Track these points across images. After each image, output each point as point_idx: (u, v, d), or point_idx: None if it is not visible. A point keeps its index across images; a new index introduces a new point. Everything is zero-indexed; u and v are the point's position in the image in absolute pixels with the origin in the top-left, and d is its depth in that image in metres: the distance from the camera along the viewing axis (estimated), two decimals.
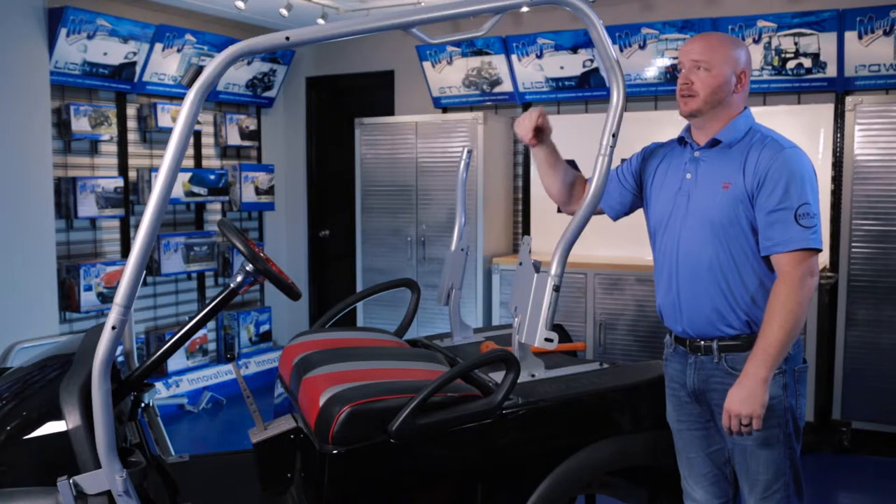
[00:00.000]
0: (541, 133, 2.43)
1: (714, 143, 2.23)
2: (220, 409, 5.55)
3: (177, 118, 1.98)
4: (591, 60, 5.24)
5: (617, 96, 2.10)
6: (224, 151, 6.14)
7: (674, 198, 2.30)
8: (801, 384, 2.22)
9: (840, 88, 4.68)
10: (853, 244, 4.42)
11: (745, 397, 2.05)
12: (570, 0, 2.02)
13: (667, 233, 2.31)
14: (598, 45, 2.08)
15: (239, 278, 2.32)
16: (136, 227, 2.11)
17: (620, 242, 4.98)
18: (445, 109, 5.96)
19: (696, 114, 2.23)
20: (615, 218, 2.59)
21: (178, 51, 5.37)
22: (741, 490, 2.29)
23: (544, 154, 2.48)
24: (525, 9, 2.08)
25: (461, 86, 5.78)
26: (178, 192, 5.51)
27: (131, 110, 5.41)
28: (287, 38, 1.85)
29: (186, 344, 3.64)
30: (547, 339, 2.08)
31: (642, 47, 5.04)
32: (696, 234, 2.21)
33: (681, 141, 2.36)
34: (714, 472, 2.34)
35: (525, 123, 2.39)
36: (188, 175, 5.61)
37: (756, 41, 4.73)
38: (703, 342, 2.24)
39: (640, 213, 2.58)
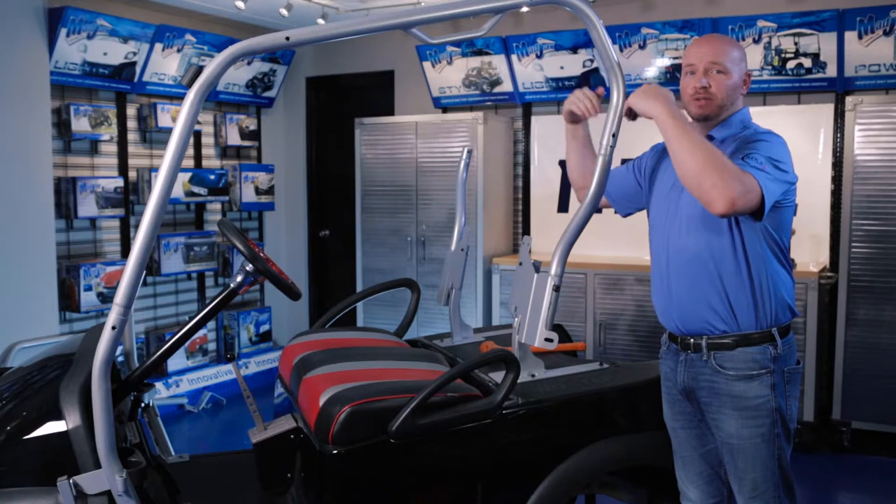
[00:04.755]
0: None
1: (708, 139, 2.24)
2: (220, 409, 5.55)
3: (177, 118, 1.98)
4: (591, 60, 5.24)
5: (617, 96, 2.10)
6: (224, 151, 6.14)
7: (667, 195, 2.32)
8: (792, 385, 2.21)
9: (840, 88, 4.67)
10: (853, 244, 4.41)
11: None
12: (570, 0, 2.02)
13: (660, 230, 2.33)
14: (599, 45, 2.08)
15: (239, 278, 2.33)
16: (136, 227, 2.11)
17: (620, 242, 4.98)
18: (445, 109, 5.96)
19: (711, 116, 2.25)
20: (625, 215, 2.62)
21: (178, 51, 5.37)
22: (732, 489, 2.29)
23: (584, 134, 2.55)
24: (525, 9, 2.08)
25: (461, 86, 5.78)
26: (178, 192, 5.51)
27: (131, 110, 5.41)
28: (287, 38, 1.85)
29: (186, 344, 3.64)
30: (547, 339, 2.07)
31: (642, 47, 5.04)
32: (687, 229, 2.23)
33: None
34: (708, 472, 2.34)
35: (587, 103, 2.37)
36: (188, 175, 5.61)
37: (756, 41, 4.73)
38: (692, 339, 2.25)
39: (639, 213, 2.59)
